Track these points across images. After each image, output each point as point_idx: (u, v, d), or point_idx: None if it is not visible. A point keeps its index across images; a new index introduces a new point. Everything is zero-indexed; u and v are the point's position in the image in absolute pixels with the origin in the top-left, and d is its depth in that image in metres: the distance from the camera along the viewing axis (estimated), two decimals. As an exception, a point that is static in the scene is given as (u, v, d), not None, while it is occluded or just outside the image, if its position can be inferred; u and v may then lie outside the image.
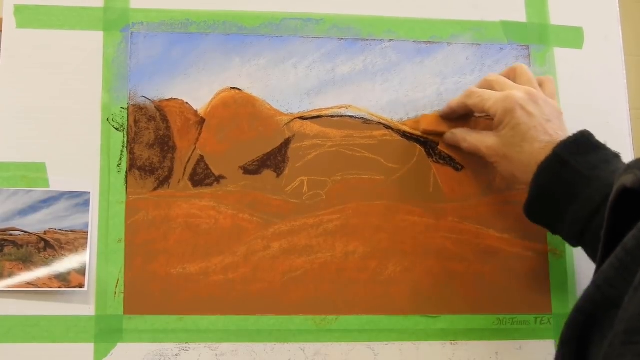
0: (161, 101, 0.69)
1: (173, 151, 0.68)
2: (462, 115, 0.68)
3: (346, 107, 0.71)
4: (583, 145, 0.58)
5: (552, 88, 0.66)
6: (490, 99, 0.62)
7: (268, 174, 0.68)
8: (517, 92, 0.61)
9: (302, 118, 0.70)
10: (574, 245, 0.60)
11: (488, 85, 0.65)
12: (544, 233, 0.68)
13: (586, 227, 0.57)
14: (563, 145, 0.58)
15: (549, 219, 0.61)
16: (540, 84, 0.66)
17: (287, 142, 0.69)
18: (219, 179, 0.68)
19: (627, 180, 0.38)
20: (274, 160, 0.69)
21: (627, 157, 0.72)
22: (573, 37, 0.74)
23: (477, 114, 0.68)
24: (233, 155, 0.68)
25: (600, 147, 0.59)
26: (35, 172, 0.65)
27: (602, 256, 0.42)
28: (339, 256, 0.67)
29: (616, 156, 0.59)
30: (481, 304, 0.67)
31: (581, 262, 0.69)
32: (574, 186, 0.57)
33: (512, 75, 0.66)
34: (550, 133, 0.59)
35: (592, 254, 0.59)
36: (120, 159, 0.67)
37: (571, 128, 0.71)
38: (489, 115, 0.64)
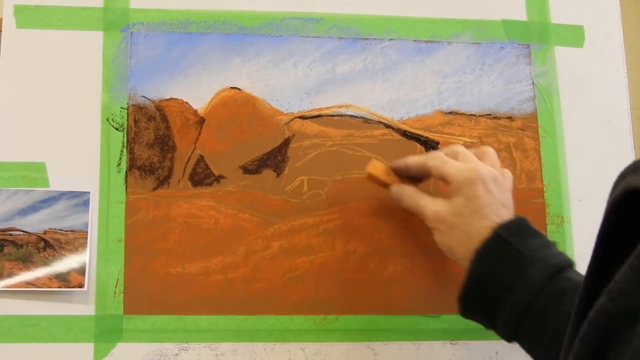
0: (161, 101, 0.68)
1: (173, 151, 0.68)
2: (413, 176, 0.65)
3: (346, 106, 0.70)
4: (524, 229, 0.58)
5: (510, 183, 0.64)
6: (453, 165, 0.61)
7: (268, 173, 0.68)
8: (482, 168, 0.60)
9: (302, 117, 0.70)
10: (509, 338, 0.57)
11: (453, 155, 0.63)
12: (544, 233, 0.68)
13: (528, 310, 0.55)
14: (504, 227, 0.57)
15: (487, 306, 0.58)
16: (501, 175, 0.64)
17: (287, 142, 0.69)
18: (218, 178, 0.68)
19: (638, 182, 0.36)
20: (274, 159, 0.69)
21: (627, 157, 0.72)
22: (574, 35, 0.74)
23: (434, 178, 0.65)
24: (233, 155, 0.68)
25: (539, 233, 0.58)
26: (35, 172, 0.65)
27: (593, 267, 0.40)
28: (339, 256, 0.67)
29: (553, 243, 0.58)
30: (481, 303, 0.67)
31: (580, 262, 0.69)
32: (516, 267, 0.55)
33: (480, 155, 0.64)
34: (501, 217, 0.58)
35: (529, 343, 0.56)
36: (120, 158, 0.67)
37: (573, 128, 0.72)
38: (446, 180, 0.61)
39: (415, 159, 0.64)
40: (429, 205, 0.62)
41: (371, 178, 0.66)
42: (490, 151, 0.64)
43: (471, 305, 0.59)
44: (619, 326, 0.34)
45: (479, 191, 0.59)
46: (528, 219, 0.59)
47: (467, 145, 0.68)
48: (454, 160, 0.62)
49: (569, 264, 0.56)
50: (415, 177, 0.65)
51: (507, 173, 0.64)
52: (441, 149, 0.65)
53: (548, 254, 0.56)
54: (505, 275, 0.56)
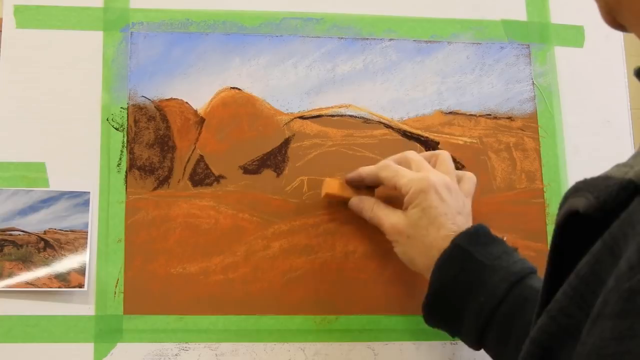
0: (161, 101, 0.69)
1: (173, 151, 0.68)
2: (368, 185, 0.66)
3: (346, 106, 0.70)
4: (483, 236, 0.58)
5: (470, 186, 0.64)
6: (406, 177, 0.61)
7: (268, 173, 0.68)
8: (435, 176, 0.60)
9: (302, 117, 0.70)
10: (475, 346, 0.58)
11: (405, 163, 0.63)
12: (544, 232, 0.68)
13: (492, 319, 0.55)
14: (463, 236, 0.57)
15: (450, 315, 0.58)
16: (460, 179, 0.64)
17: (287, 142, 0.69)
18: (218, 178, 0.68)
19: (579, 203, 0.36)
20: (274, 159, 0.68)
21: (628, 157, 0.72)
22: (574, 35, 0.74)
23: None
24: (233, 155, 0.68)
25: (498, 240, 0.58)
26: (35, 172, 0.65)
27: (546, 288, 0.40)
28: (339, 256, 0.67)
29: (514, 250, 0.59)
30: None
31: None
32: (477, 276, 0.56)
33: (434, 160, 0.64)
34: (458, 224, 0.58)
35: (494, 351, 0.57)
36: (120, 158, 0.67)
37: (573, 127, 0.72)
38: (400, 192, 0.61)
39: (368, 170, 0.64)
40: (387, 218, 0.62)
41: (329, 197, 0.66)
42: (443, 155, 0.64)
43: (435, 315, 0.59)
44: (559, 344, 0.34)
45: (433, 201, 0.59)
46: (487, 226, 0.59)
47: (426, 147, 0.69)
48: (406, 170, 0.62)
49: (530, 271, 0.56)
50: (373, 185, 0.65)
51: (468, 176, 0.64)
52: (392, 156, 0.65)
53: (509, 262, 0.56)
54: (467, 285, 0.56)
